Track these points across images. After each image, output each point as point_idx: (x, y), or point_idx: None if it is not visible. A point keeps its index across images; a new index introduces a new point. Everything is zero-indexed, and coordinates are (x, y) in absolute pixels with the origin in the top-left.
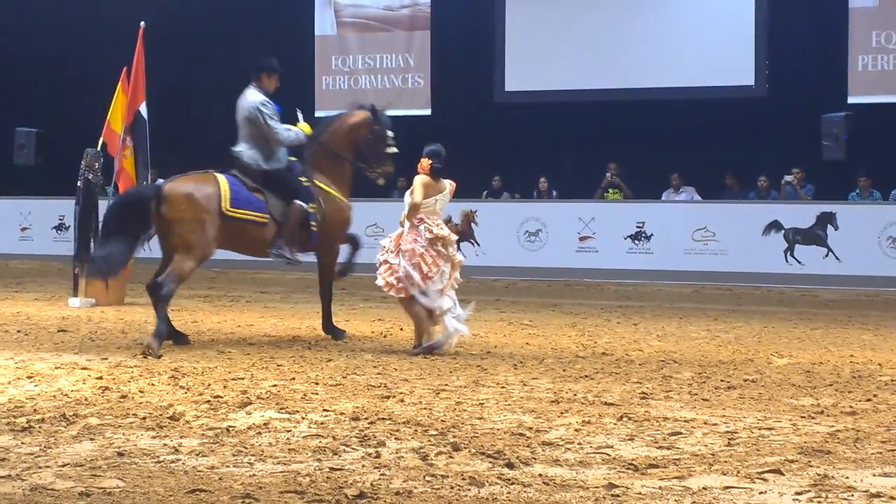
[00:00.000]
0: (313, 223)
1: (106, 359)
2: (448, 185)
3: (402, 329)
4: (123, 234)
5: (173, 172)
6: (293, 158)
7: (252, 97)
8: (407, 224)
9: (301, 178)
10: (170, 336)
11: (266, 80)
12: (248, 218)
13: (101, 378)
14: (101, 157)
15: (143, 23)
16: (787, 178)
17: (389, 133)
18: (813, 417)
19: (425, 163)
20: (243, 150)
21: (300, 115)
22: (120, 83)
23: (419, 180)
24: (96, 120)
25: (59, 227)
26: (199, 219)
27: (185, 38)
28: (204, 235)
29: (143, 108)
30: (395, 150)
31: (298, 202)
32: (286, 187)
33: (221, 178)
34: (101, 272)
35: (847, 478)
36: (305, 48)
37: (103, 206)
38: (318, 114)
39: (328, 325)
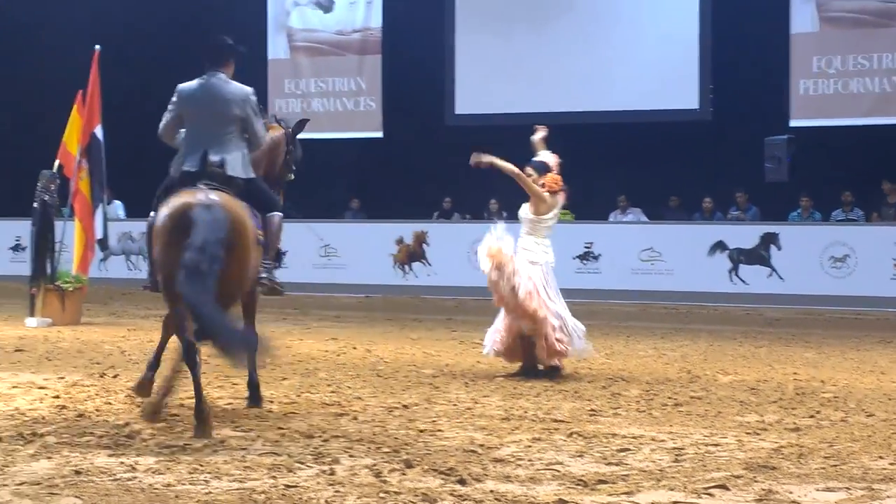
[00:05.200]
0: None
1: (63, 378)
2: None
3: (354, 348)
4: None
5: (129, 193)
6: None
7: (238, 87)
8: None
9: None
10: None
11: (228, 66)
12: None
13: (58, 397)
14: (58, 179)
15: (98, 47)
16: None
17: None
18: (758, 434)
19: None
20: (223, 156)
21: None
22: (75, 105)
23: None
24: (52, 142)
25: (16, 248)
26: None
27: (139, 61)
28: None
29: (98, 131)
30: (293, 176)
31: (277, 213)
32: (266, 197)
33: (220, 192)
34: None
35: (791, 493)
36: (259, 71)
37: (59, 226)
38: None
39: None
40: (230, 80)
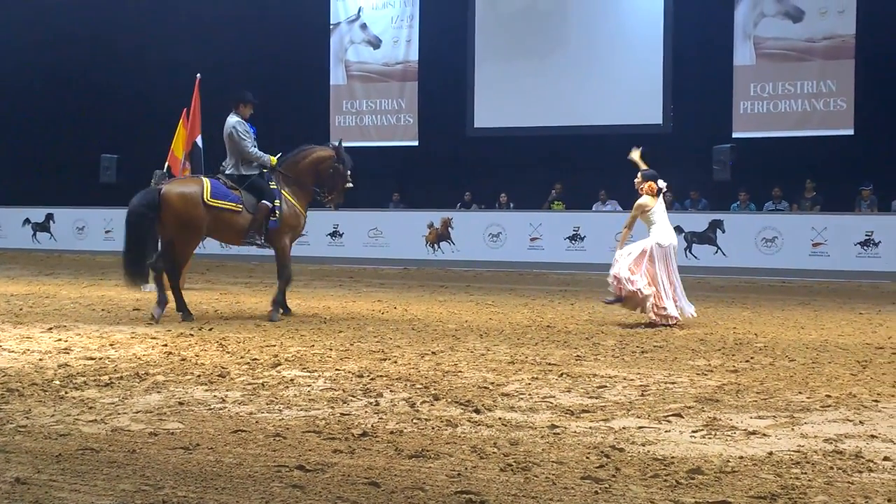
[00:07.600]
0: (274, 216)
1: (170, 330)
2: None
3: (395, 308)
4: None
5: None
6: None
7: (231, 119)
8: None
9: (270, 184)
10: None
11: (242, 108)
12: (224, 207)
13: (166, 345)
14: (167, 177)
15: (199, 75)
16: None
17: (349, 171)
18: (705, 374)
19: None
20: (226, 161)
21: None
22: (181, 120)
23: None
24: (162, 148)
25: None
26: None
27: (230, 86)
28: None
29: (199, 140)
30: (351, 185)
31: (265, 201)
32: (257, 188)
33: (205, 179)
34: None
35: (731, 420)
36: (323, 94)
37: None
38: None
39: (282, 300)
40: (232, 116)
